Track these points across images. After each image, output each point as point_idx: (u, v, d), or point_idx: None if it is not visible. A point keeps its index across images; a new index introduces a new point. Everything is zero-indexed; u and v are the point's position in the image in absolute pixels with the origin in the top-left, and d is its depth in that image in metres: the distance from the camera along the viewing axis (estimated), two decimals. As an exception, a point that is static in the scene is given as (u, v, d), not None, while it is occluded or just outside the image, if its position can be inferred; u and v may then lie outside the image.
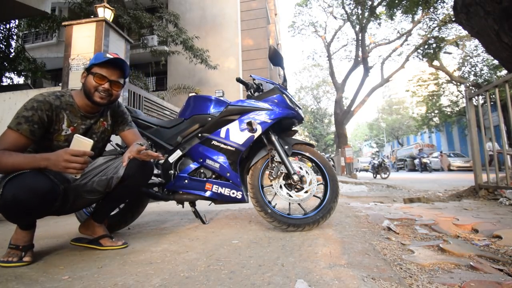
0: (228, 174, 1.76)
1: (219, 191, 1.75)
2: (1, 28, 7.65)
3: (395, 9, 9.27)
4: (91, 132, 1.41)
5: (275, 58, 1.82)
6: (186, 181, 1.78)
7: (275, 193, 1.75)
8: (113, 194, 1.41)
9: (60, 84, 4.01)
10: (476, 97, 3.33)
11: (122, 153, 1.67)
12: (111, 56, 1.31)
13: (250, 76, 2.04)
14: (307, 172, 1.74)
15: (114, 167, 1.39)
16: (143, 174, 1.42)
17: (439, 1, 9.00)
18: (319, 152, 1.86)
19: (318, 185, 1.76)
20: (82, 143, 1.12)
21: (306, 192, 1.71)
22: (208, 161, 1.78)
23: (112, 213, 1.71)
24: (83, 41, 3.53)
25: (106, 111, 1.47)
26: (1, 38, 7.69)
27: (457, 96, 17.47)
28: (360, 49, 14.67)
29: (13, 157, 1.11)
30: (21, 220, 1.21)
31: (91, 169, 1.39)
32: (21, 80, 9.94)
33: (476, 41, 11.09)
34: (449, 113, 18.35)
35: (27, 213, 1.13)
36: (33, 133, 1.19)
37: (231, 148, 1.75)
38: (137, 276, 1.01)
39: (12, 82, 9.61)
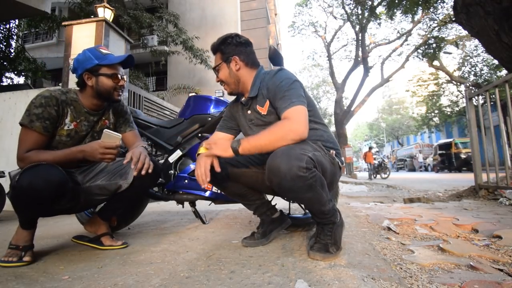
0: None
1: (219, 191, 1.75)
2: (1, 28, 7.65)
3: (395, 9, 9.25)
4: (93, 131, 1.41)
5: (275, 58, 1.81)
6: (186, 181, 1.78)
7: None
8: (121, 195, 1.41)
9: (60, 84, 4.01)
10: (476, 97, 3.33)
11: (124, 153, 1.67)
12: (122, 55, 1.36)
13: None
14: None
15: (123, 170, 1.39)
16: (152, 178, 1.41)
17: (439, 1, 8.99)
18: None
19: None
20: (112, 137, 1.23)
21: None
22: None
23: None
24: (83, 41, 3.53)
25: (108, 109, 1.48)
26: (1, 38, 7.68)
27: (457, 96, 17.48)
28: (360, 49, 14.65)
29: (51, 154, 1.21)
30: (30, 211, 1.21)
31: (99, 171, 1.41)
32: (21, 80, 9.95)
33: (476, 41, 11.10)
34: (449, 113, 18.35)
35: (39, 202, 1.14)
36: (47, 129, 1.24)
37: None
38: (137, 276, 1.01)
39: (12, 82, 9.63)
